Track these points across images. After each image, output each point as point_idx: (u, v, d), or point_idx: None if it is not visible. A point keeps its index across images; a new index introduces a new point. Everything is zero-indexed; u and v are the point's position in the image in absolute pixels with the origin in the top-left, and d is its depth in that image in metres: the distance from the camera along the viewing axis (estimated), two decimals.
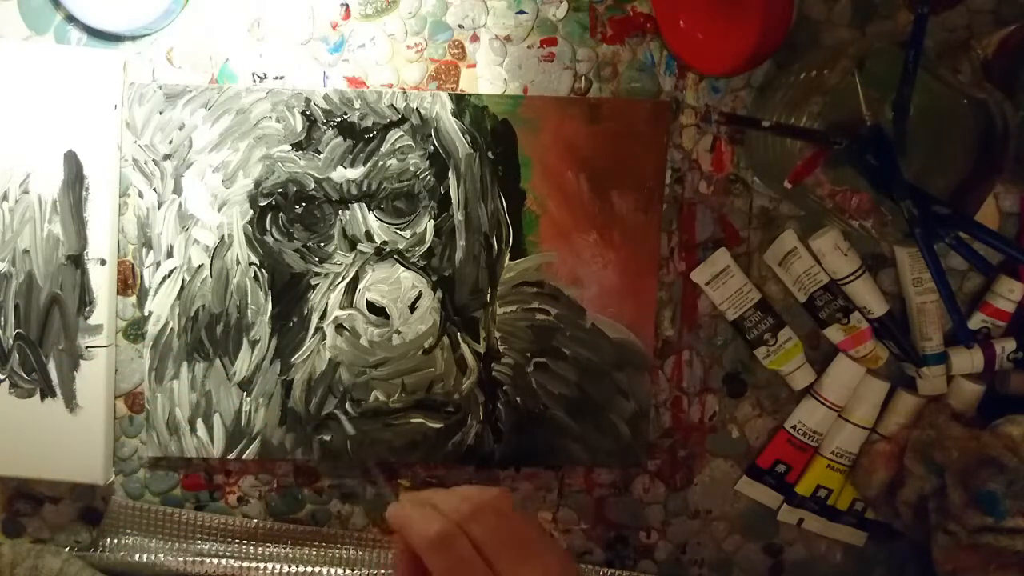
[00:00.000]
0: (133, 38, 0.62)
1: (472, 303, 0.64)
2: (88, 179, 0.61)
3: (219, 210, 0.63)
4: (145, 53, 0.62)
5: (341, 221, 0.63)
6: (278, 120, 0.62)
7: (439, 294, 0.64)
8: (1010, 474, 0.59)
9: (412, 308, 0.64)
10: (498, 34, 0.63)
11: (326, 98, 0.62)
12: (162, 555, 0.63)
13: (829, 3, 0.63)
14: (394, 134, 0.62)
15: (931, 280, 0.63)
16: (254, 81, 0.63)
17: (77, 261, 0.62)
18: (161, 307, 0.63)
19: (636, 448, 0.66)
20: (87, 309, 0.62)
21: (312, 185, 0.62)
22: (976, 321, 0.66)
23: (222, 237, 0.63)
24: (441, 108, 0.62)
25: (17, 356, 0.62)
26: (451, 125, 0.63)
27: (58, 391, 0.62)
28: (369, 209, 0.63)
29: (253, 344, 0.64)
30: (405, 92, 0.62)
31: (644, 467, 0.68)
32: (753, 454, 0.69)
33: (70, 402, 0.62)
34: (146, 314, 0.63)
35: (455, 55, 0.63)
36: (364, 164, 0.62)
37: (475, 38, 0.63)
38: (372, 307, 0.63)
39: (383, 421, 0.65)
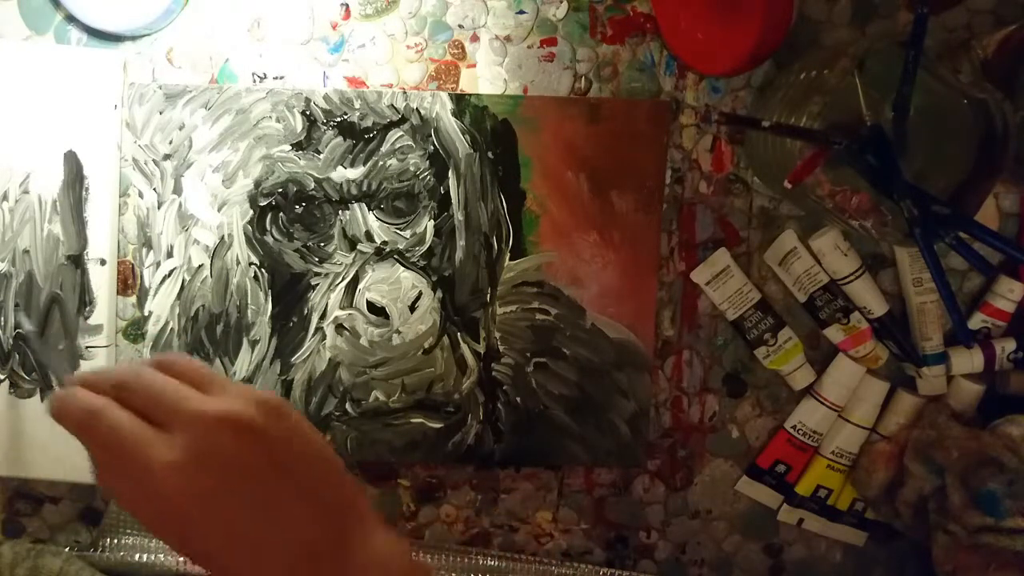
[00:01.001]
0: (133, 38, 0.62)
1: (472, 303, 0.64)
2: (88, 179, 0.61)
3: (219, 210, 0.63)
4: (145, 53, 0.62)
5: (341, 221, 0.63)
6: (278, 120, 0.62)
7: (439, 294, 0.64)
8: (1010, 474, 0.59)
9: (412, 308, 0.64)
10: (498, 34, 0.63)
11: (326, 98, 0.62)
12: (162, 555, 0.63)
13: (829, 3, 0.63)
14: (394, 134, 0.62)
15: (931, 280, 0.63)
16: (254, 81, 0.63)
17: (77, 261, 0.62)
18: (161, 307, 0.63)
19: (636, 448, 0.66)
20: (87, 309, 0.62)
21: (312, 185, 0.62)
22: (976, 321, 0.66)
23: (222, 237, 0.63)
24: (441, 108, 0.62)
25: (17, 356, 0.62)
26: (451, 125, 0.63)
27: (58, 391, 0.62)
28: (369, 209, 0.63)
29: (253, 344, 0.64)
30: (405, 92, 0.62)
31: (644, 467, 0.68)
32: (753, 454, 0.69)
33: None
34: (146, 314, 0.63)
35: (455, 55, 0.63)
36: (364, 164, 0.62)
37: (475, 38, 0.63)
38: (372, 307, 0.63)
39: (383, 421, 0.65)
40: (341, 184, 0.63)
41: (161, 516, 0.37)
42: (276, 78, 0.63)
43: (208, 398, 0.39)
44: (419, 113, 0.62)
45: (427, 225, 0.63)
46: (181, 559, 0.63)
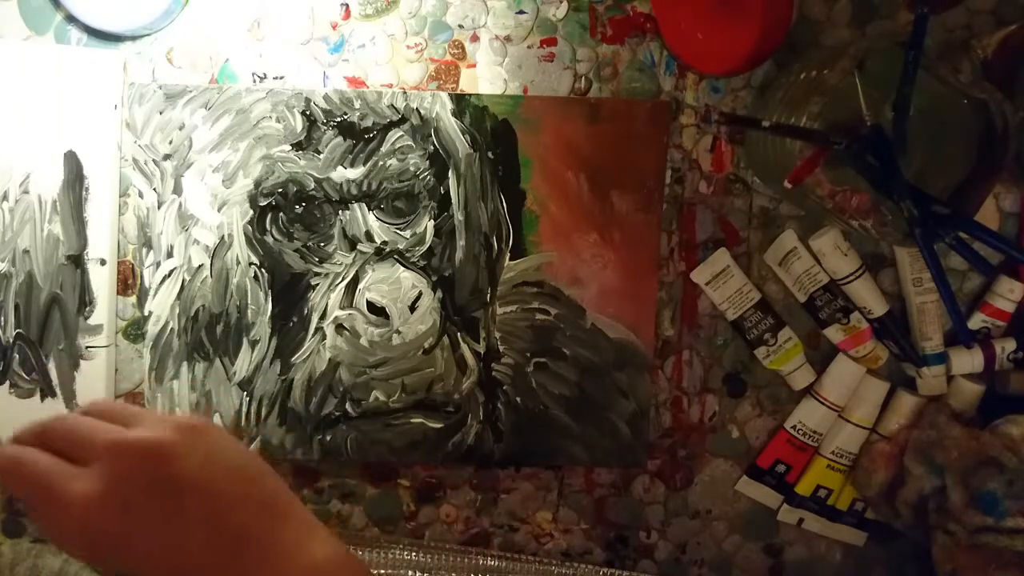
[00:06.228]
0: (133, 38, 0.62)
1: (472, 303, 0.64)
2: (88, 179, 0.61)
3: (219, 210, 0.63)
4: (145, 53, 0.62)
5: (341, 221, 0.63)
6: (278, 120, 0.62)
7: (439, 294, 0.64)
8: (1010, 474, 0.59)
9: (412, 308, 0.64)
10: (498, 34, 0.63)
11: (326, 98, 0.62)
12: None
13: (829, 3, 0.63)
14: (394, 134, 0.62)
15: (931, 280, 0.63)
16: (254, 81, 0.63)
17: (77, 261, 0.62)
18: (161, 307, 0.63)
19: (636, 448, 0.66)
20: (87, 309, 0.62)
21: (312, 185, 0.62)
22: (976, 321, 0.66)
23: (222, 237, 0.63)
24: (441, 108, 0.62)
25: (17, 356, 0.62)
26: (451, 125, 0.63)
27: (58, 391, 0.62)
28: (369, 209, 0.63)
29: (253, 344, 0.64)
30: (405, 92, 0.62)
31: (644, 467, 0.68)
32: (753, 454, 0.69)
33: (70, 402, 0.62)
34: (146, 314, 0.63)
35: (455, 55, 0.63)
36: (364, 164, 0.62)
37: (475, 38, 0.63)
38: (372, 307, 0.63)
39: (383, 421, 0.65)
40: (341, 184, 0.63)
41: (85, 546, 0.39)
42: (276, 78, 0.63)
43: (124, 429, 0.40)
44: (419, 113, 0.62)
45: (427, 225, 0.63)
46: None
